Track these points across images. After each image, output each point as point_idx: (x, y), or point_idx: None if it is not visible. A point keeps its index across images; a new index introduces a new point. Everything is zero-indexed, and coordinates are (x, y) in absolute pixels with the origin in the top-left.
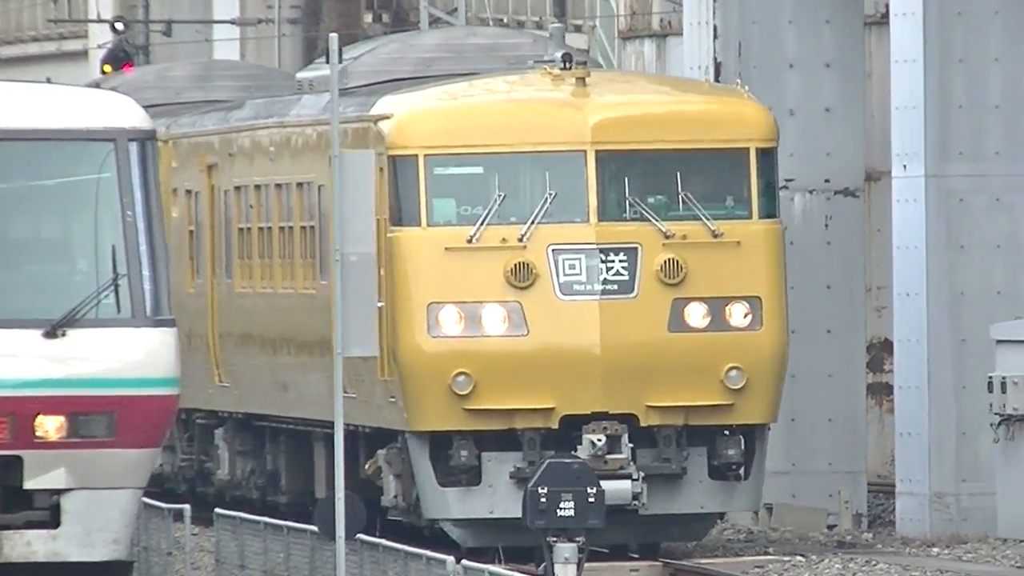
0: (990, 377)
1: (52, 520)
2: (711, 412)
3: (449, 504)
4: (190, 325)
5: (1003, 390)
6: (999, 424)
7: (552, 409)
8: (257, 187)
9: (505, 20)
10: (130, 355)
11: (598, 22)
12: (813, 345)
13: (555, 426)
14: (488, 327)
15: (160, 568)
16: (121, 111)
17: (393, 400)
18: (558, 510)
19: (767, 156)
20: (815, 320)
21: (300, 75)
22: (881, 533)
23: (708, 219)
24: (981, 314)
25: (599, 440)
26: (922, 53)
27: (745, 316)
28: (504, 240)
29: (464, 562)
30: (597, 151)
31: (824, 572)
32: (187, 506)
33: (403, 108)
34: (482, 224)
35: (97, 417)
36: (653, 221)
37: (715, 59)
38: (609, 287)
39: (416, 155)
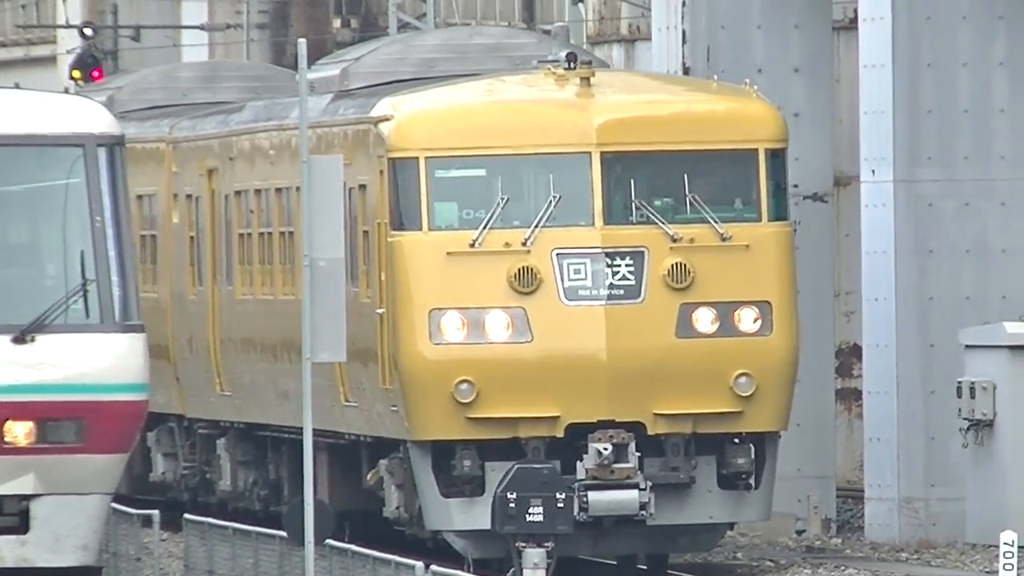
0: (959, 382)
1: (21, 525)
2: (720, 420)
3: (452, 515)
4: (191, 332)
5: (972, 395)
6: (968, 429)
7: (557, 417)
8: (257, 191)
9: (473, 24)
10: (99, 361)
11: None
12: None
13: (560, 435)
14: (491, 333)
15: (129, 573)
16: (90, 116)
17: (394, 409)
18: (527, 516)
19: (776, 157)
20: None
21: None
22: (850, 538)
23: (716, 222)
24: (950, 319)
25: (605, 449)
26: (891, 58)
27: (755, 321)
28: (507, 244)
29: (433, 567)
30: (602, 153)
31: None
32: (156, 512)
33: (403, 109)
34: (485, 228)
35: (66, 423)
36: (660, 224)
37: (684, 64)
38: (615, 292)
39: (417, 158)
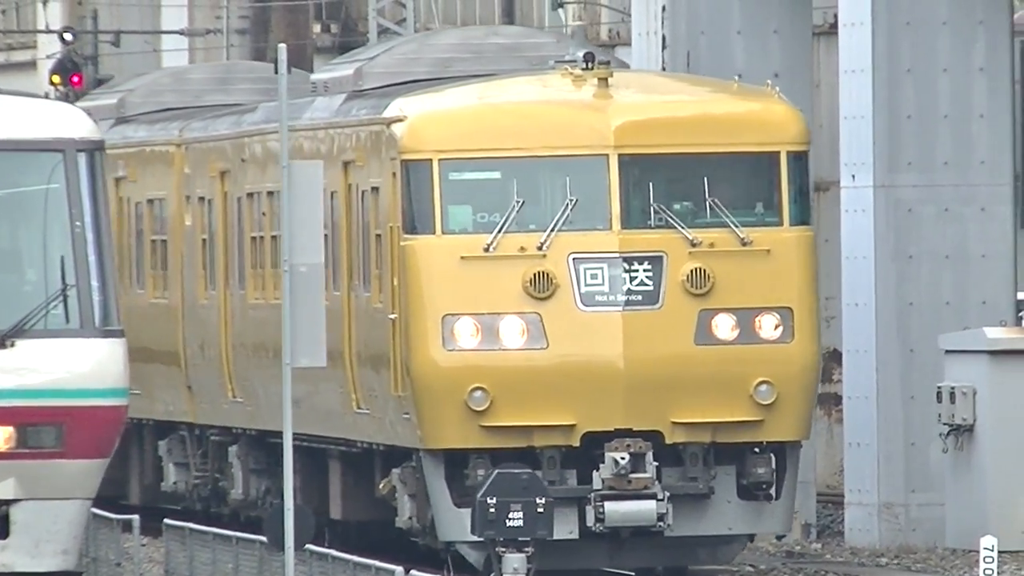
0: (939, 387)
1: (1, 531)
2: (740, 429)
3: (466, 525)
4: (203, 338)
5: (952, 400)
6: (948, 434)
7: (573, 426)
8: (270, 194)
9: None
10: (79, 366)
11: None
12: None
13: (576, 444)
14: (506, 340)
15: None
16: (70, 121)
17: (407, 416)
18: (507, 520)
19: (799, 160)
20: None
21: (314, 76)
22: (830, 543)
23: (737, 226)
24: (930, 324)
25: (622, 458)
26: (871, 63)
27: (776, 328)
28: (523, 249)
29: (413, 572)
30: (620, 155)
31: None
32: (136, 516)
33: (417, 110)
34: (499, 232)
35: (46, 428)
36: (679, 228)
37: (663, 69)
38: (633, 298)
39: (430, 160)
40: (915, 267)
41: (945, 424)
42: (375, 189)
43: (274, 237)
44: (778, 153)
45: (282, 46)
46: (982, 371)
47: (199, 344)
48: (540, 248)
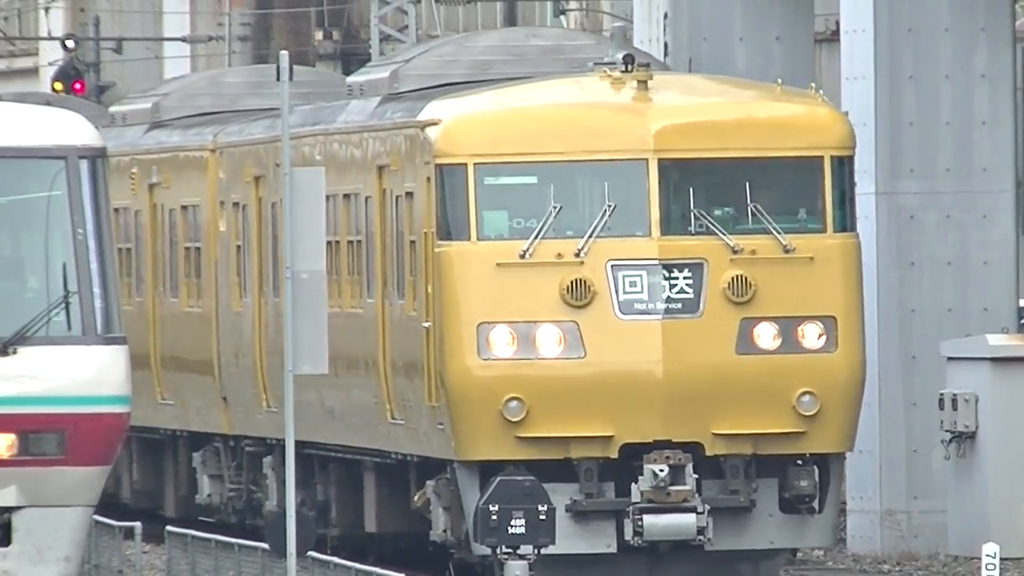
0: (941, 394)
1: (3, 538)
2: (782, 440)
3: None
4: (237, 347)
5: (954, 407)
6: (950, 441)
7: (611, 437)
8: None
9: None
10: (80, 373)
11: None
12: None
13: (614, 455)
14: (542, 349)
15: None
16: (72, 129)
17: (441, 427)
18: (509, 527)
19: (843, 165)
20: None
21: (350, 79)
22: (832, 550)
23: (779, 233)
24: (931, 331)
25: (661, 470)
26: (872, 70)
27: (819, 337)
28: (560, 255)
29: None
30: (660, 159)
31: None
32: (138, 523)
33: (451, 113)
34: (536, 238)
35: (48, 435)
36: (720, 235)
37: None
38: (672, 306)
39: (465, 164)
40: (917, 274)
41: (947, 431)
42: (409, 194)
43: None
44: (821, 158)
45: (284, 53)
46: (984, 378)
47: (233, 353)
48: (577, 255)
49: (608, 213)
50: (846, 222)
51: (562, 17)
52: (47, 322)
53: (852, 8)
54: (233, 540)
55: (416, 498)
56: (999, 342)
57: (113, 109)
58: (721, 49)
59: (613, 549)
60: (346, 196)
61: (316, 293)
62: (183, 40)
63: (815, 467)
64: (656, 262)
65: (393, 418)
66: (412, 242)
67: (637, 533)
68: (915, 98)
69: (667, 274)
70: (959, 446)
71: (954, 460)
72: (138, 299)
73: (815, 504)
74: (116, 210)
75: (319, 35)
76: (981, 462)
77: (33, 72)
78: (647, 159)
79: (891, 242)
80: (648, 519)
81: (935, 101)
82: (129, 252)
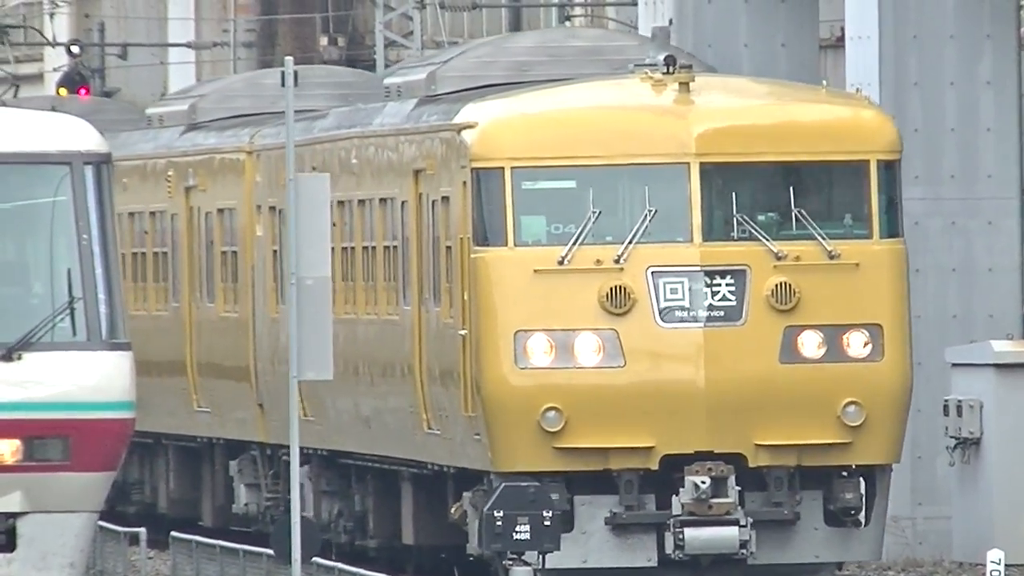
0: (945, 400)
1: (7, 544)
2: (827, 451)
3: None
4: (273, 352)
5: (959, 414)
6: (955, 448)
7: (651, 448)
8: (340, 203)
9: (460, 44)
10: (85, 379)
11: None
12: None
13: (654, 467)
14: (581, 357)
15: None
16: (77, 134)
17: (477, 437)
18: (514, 534)
19: (889, 169)
20: None
21: (387, 80)
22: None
23: (824, 239)
24: (936, 338)
25: (703, 482)
26: (877, 76)
27: (864, 346)
28: (599, 262)
29: None
30: (702, 164)
31: None
32: (143, 529)
33: (488, 116)
34: (575, 244)
35: (52, 441)
36: (763, 241)
37: None
38: (714, 314)
39: (502, 168)
40: (922, 280)
41: (952, 437)
42: (445, 199)
43: (344, 249)
44: (867, 162)
45: (289, 59)
46: (989, 384)
47: (270, 359)
48: (617, 261)
49: (648, 218)
50: (893, 228)
51: (567, 23)
52: (52, 328)
53: (857, 14)
54: (238, 546)
55: (453, 510)
56: (1004, 348)
57: (150, 111)
58: (726, 56)
59: (654, 563)
60: (382, 200)
61: (321, 299)
62: (188, 46)
63: (861, 478)
64: (698, 269)
65: (429, 428)
66: (448, 248)
67: (678, 547)
68: (920, 105)
69: (709, 281)
70: (964, 452)
71: (959, 466)
72: (174, 304)
73: (860, 517)
74: (152, 213)
75: (324, 41)
76: (986, 468)
77: (38, 78)
78: (688, 163)
79: None
80: (689, 532)
81: (940, 108)
82: (165, 256)
